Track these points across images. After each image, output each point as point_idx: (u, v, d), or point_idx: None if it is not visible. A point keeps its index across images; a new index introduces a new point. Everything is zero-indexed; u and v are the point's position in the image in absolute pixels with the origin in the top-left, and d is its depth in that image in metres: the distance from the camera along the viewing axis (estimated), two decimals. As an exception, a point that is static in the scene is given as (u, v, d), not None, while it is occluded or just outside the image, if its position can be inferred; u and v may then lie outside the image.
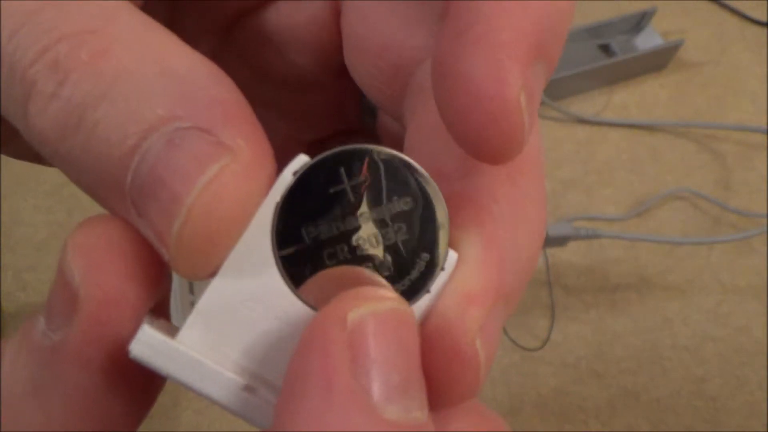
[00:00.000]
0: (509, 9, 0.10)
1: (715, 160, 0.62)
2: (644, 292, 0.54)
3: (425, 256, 0.10)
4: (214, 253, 0.10)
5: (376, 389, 0.09)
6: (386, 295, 0.10)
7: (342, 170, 0.10)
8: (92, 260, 0.10)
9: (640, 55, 0.65)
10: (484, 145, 0.10)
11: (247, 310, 0.10)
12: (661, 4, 0.67)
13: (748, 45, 0.71)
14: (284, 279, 0.10)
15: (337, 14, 0.14)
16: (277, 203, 0.10)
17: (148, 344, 0.09)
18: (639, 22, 0.66)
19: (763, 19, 0.73)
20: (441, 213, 0.10)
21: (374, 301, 0.09)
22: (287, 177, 0.10)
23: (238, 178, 0.09)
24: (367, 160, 0.10)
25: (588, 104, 0.64)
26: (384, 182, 0.10)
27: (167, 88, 0.10)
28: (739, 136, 0.64)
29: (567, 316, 0.52)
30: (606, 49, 0.66)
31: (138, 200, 0.10)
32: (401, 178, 0.10)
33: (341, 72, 0.15)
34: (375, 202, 0.10)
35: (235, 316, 0.10)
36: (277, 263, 0.10)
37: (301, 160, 0.10)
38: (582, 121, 0.63)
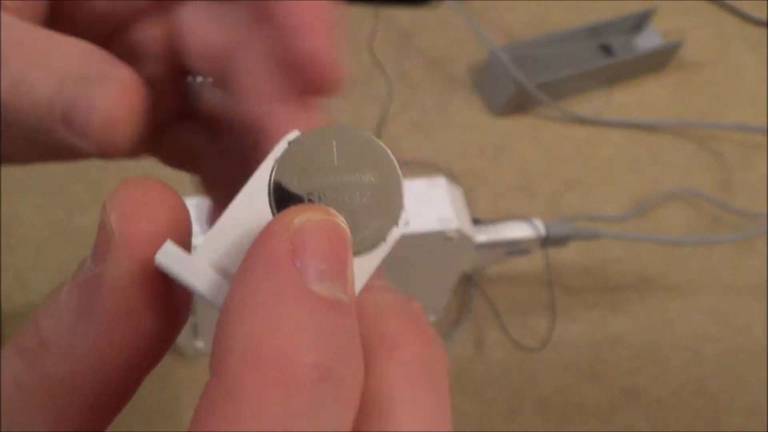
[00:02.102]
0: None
1: (715, 160, 0.63)
2: (644, 292, 0.54)
3: (385, 215, 0.13)
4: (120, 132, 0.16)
5: (309, 271, 0.11)
6: (329, 211, 0.12)
7: (329, 142, 0.13)
8: (124, 209, 0.12)
9: (640, 55, 0.65)
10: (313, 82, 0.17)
11: (246, 241, 0.12)
12: (661, 4, 0.67)
13: (748, 45, 0.71)
14: (273, 213, 0.13)
15: (173, 27, 0.20)
16: (276, 160, 0.13)
17: (170, 254, 0.12)
18: (639, 22, 0.66)
19: (763, 19, 0.73)
20: (399, 189, 0.13)
21: (317, 212, 0.12)
22: (283, 144, 0.13)
23: (120, 89, 0.15)
24: (348, 136, 0.13)
25: (588, 104, 0.64)
26: (358, 155, 0.13)
27: (72, 52, 0.16)
28: (739, 136, 0.64)
29: (567, 316, 0.52)
30: (606, 49, 0.66)
31: (67, 119, 0.15)
32: (371, 154, 0.13)
33: (179, 70, 0.21)
34: (352, 170, 0.12)
35: (236, 244, 0.12)
36: (270, 202, 0.12)
37: (295, 133, 0.13)
38: (582, 121, 0.63)
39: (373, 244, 0.13)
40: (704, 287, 0.55)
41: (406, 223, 0.13)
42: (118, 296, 0.12)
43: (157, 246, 0.12)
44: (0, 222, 0.50)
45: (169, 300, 0.13)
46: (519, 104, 0.62)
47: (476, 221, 0.45)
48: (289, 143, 0.13)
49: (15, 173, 0.53)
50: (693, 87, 0.67)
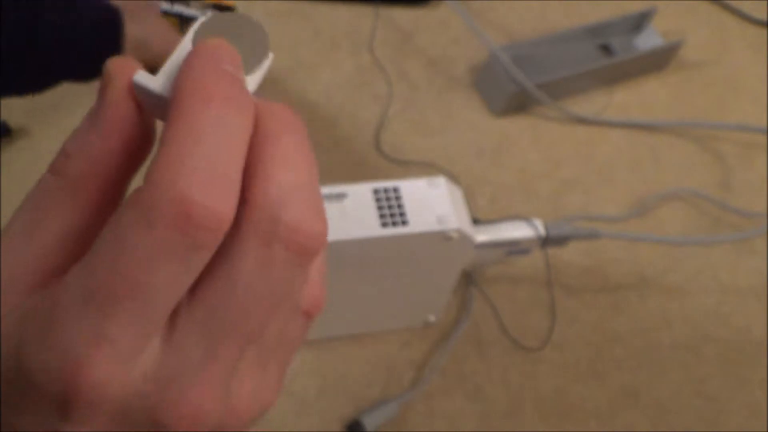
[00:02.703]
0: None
1: (715, 160, 0.63)
2: (644, 292, 0.54)
3: (259, 54, 0.19)
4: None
5: (225, 60, 0.17)
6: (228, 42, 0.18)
7: (227, 21, 0.19)
8: (116, 61, 0.18)
9: (640, 55, 0.65)
10: None
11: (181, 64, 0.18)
12: (661, 4, 0.67)
13: (748, 45, 0.71)
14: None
15: None
16: (194, 29, 0.18)
17: (142, 75, 0.18)
18: (639, 22, 0.66)
19: (763, 19, 0.73)
20: (266, 42, 0.19)
21: (222, 39, 0.18)
22: (200, 21, 0.19)
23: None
24: (237, 17, 0.19)
25: (588, 104, 0.64)
26: (243, 26, 0.19)
27: None
28: (739, 136, 0.64)
29: (567, 316, 0.52)
30: (606, 49, 0.66)
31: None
32: (251, 25, 0.19)
33: None
34: (240, 33, 0.19)
35: (175, 65, 0.18)
36: (193, 42, 0.19)
37: (208, 15, 0.19)
38: (582, 121, 0.63)
39: (251, 69, 0.19)
40: (704, 287, 0.55)
41: (270, 60, 0.20)
42: (113, 107, 0.17)
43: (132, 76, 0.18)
44: (0, 222, 0.50)
45: (144, 118, 0.18)
46: (519, 104, 0.62)
47: (476, 221, 0.45)
48: (203, 21, 0.19)
49: (15, 173, 0.53)
50: (693, 87, 0.67)
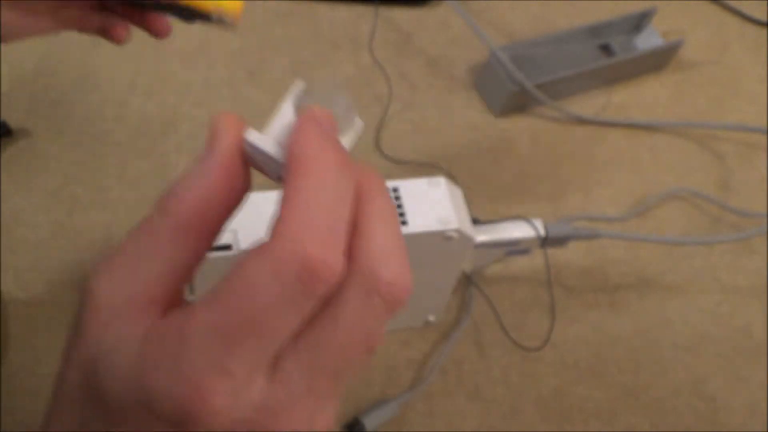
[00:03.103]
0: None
1: (715, 160, 0.63)
2: (644, 292, 0.54)
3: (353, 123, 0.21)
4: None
5: (324, 123, 0.20)
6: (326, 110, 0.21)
7: (320, 88, 0.21)
8: (223, 117, 0.20)
9: (640, 55, 0.65)
10: None
11: (289, 126, 0.20)
12: (661, 4, 0.67)
13: (748, 45, 0.71)
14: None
15: None
16: (295, 97, 0.21)
17: (252, 134, 0.20)
18: (639, 22, 0.66)
19: (763, 19, 0.73)
20: (354, 109, 0.21)
21: (319, 108, 0.20)
22: (296, 88, 0.21)
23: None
24: (329, 84, 0.21)
25: (588, 104, 0.64)
26: (334, 92, 0.21)
27: None
28: (739, 136, 0.64)
29: (567, 316, 0.52)
30: (606, 49, 0.66)
31: None
32: (340, 93, 0.21)
33: None
34: (331, 100, 0.21)
35: (284, 129, 0.20)
36: (294, 109, 0.21)
37: (302, 83, 0.21)
38: (582, 121, 0.63)
39: (343, 132, 0.21)
40: (704, 287, 0.55)
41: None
42: (223, 158, 0.19)
43: (242, 134, 0.20)
44: (0, 222, 0.50)
45: (245, 172, 0.20)
46: (519, 104, 0.62)
47: (476, 221, 0.45)
48: (300, 88, 0.21)
49: (15, 173, 0.53)
50: (693, 87, 0.67)
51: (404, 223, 0.39)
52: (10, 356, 0.45)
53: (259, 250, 0.17)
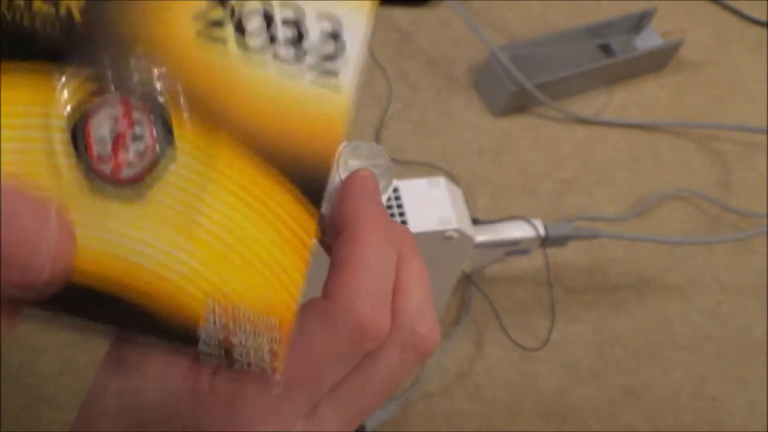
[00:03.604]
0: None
1: (715, 160, 0.63)
2: (644, 292, 0.54)
3: (386, 178, 0.21)
4: None
5: (371, 187, 0.20)
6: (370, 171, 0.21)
7: (361, 147, 0.21)
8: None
9: (640, 55, 0.65)
10: None
11: (331, 194, 0.20)
12: (661, 4, 0.67)
13: (748, 45, 0.71)
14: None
15: None
16: (341, 159, 0.20)
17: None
18: (639, 22, 0.66)
19: (763, 19, 0.73)
20: (392, 169, 0.22)
21: (365, 170, 0.21)
22: (341, 148, 0.20)
23: (61, 214, 0.16)
24: (368, 145, 0.21)
25: (588, 104, 0.64)
26: (373, 152, 0.21)
27: None
28: (739, 136, 0.64)
29: (567, 316, 0.52)
30: (606, 49, 0.66)
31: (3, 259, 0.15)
32: (379, 152, 0.21)
33: None
34: (371, 159, 0.21)
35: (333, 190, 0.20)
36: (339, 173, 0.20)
37: (345, 143, 0.20)
38: (582, 121, 0.63)
39: (383, 191, 0.21)
40: (704, 287, 0.55)
41: (394, 188, 0.21)
42: None
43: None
44: None
45: None
46: (519, 104, 0.62)
47: (476, 221, 0.45)
48: (346, 149, 0.21)
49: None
50: (693, 87, 0.67)
51: (404, 223, 0.40)
52: (10, 356, 0.45)
53: (315, 309, 0.18)
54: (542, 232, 0.46)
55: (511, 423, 0.47)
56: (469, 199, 0.56)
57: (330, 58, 0.17)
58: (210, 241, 0.16)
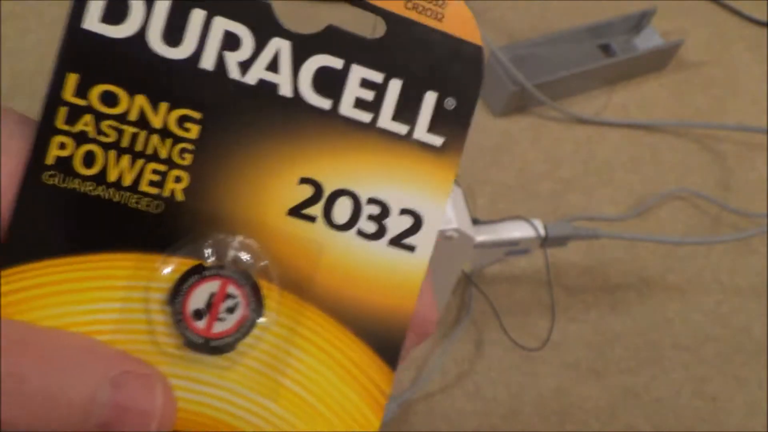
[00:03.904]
0: None
1: (715, 160, 0.63)
2: (644, 292, 0.54)
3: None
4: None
5: None
6: None
7: None
8: None
9: (640, 55, 0.65)
10: None
11: None
12: (661, 4, 0.67)
13: (748, 45, 0.71)
14: None
15: None
16: None
17: None
18: (639, 22, 0.66)
19: (763, 19, 0.73)
20: None
21: None
22: None
23: (165, 384, 0.17)
24: None
25: (588, 104, 0.64)
26: None
27: (90, 357, 0.16)
28: (739, 136, 0.64)
29: (567, 316, 0.52)
30: (606, 49, 0.66)
31: (107, 426, 0.15)
32: None
33: None
34: None
35: None
36: None
37: None
38: (582, 121, 0.63)
39: None
40: (704, 287, 0.55)
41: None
42: None
43: None
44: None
45: None
46: (519, 104, 0.62)
47: (476, 221, 0.45)
48: None
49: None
50: (693, 87, 0.67)
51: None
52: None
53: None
54: (542, 232, 0.46)
55: (511, 423, 0.47)
56: (469, 199, 0.56)
57: (408, 233, 0.18)
58: (294, 400, 0.18)
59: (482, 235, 0.45)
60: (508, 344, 0.50)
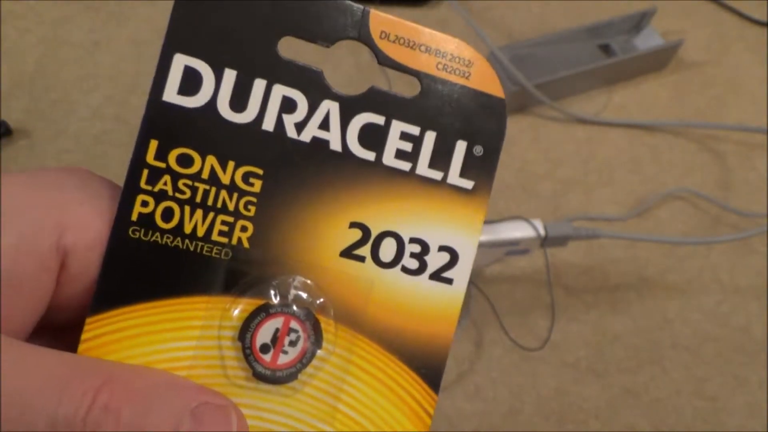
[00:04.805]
0: None
1: (715, 160, 0.63)
2: (644, 292, 0.54)
3: None
4: None
5: None
6: None
7: None
8: None
9: (640, 55, 0.65)
10: None
11: None
12: (661, 4, 0.67)
13: (748, 45, 0.71)
14: None
15: None
16: None
17: None
18: (639, 22, 0.66)
19: (763, 19, 0.73)
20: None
21: None
22: None
23: (239, 414, 0.18)
24: None
25: (588, 104, 0.64)
26: None
27: (172, 391, 0.18)
28: (739, 136, 0.64)
29: (567, 316, 0.52)
30: (606, 49, 0.66)
31: None
32: None
33: None
34: None
35: None
36: None
37: None
38: (582, 121, 0.63)
39: None
40: (704, 287, 0.55)
41: None
42: None
43: None
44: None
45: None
46: (519, 104, 0.62)
47: (476, 221, 0.45)
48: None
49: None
50: (693, 87, 0.67)
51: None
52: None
53: None
54: (542, 232, 0.46)
55: (511, 423, 0.47)
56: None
57: (446, 268, 0.20)
58: (349, 424, 0.20)
59: (482, 235, 0.45)
60: (508, 344, 0.50)
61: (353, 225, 0.20)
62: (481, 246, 0.45)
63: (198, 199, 0.19)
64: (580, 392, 0.49)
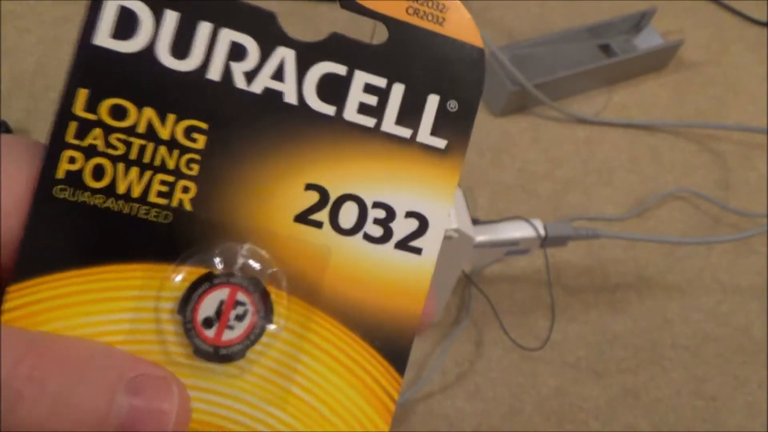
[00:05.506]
0: None
1: (715, 160, 0.63)
2: (644, 292, 0.54)
3: None
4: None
5: None
6: None
7: None
8: None
9: (640, 55, 0.65)
10: None
11: None
12: (661, 4, 0.67)
13: (748, 45, 0.71)
14: None
15: None
16: None
17: None
18: (639, 22, 0.66)
19: (763, 19, 0.73)
20: None
21: None
22: None
23: (180, 385, 0.17)
24: None
25: (588, 104, 0.64)
26: None
27: (106, 362, 0.16)
28: (739, 136, 0.64)
29: (567, 316, 0.52)
30: (606, 49, 0.66)
31: (128, 428, 0.16)
32: None
33: None
34: None
35: None
36: None
37: None
38: (582, 121, 0.63)
39: None
40: (704, 287, 0.55)
41: None
42: None
43: None
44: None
45: None
46: (519, 104, 0.62)
47: (476, 221, 0.45)
48: None
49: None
50: (693, 87, 0.67)
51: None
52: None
53: None
54: (542, 232, 0.46)
55: (511, 423, 0.47)
56: (469, 199, 0.56)
57: (414, 236, 0.18)
58: (302, 407, 0.18)
59: (482, 235, 0.45)
60: (508, 344, 0.50)
61: (309, 187, 0.18)
62: (481, 246, 0.45)
63: (133, 156, 0.17)
64: (580, 392, 0.49)
